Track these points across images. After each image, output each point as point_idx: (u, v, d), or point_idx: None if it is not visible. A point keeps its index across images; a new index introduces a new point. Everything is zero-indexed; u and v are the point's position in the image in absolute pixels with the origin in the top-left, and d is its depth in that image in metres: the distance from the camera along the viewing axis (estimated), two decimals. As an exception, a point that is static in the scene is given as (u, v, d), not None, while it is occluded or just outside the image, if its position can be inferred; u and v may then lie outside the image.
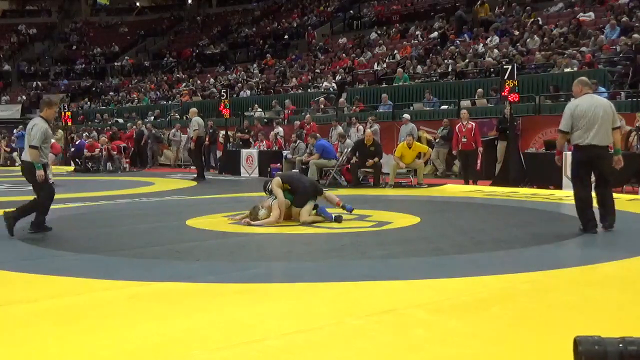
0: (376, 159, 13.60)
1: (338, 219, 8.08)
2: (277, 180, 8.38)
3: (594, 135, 6.94)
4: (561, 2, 21.90)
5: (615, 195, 10.81)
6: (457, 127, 13.69)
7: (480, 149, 13.45)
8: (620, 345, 2.07)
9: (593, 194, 7.26)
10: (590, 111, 6.95)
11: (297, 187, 8.27)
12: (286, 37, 33.37)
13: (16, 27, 46.11)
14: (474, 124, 13.47)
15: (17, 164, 25.53)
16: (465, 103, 16.87)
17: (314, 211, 8.28)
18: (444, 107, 17.90)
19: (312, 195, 8.27)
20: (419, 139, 15.07)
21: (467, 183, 13.41)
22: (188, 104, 27.65)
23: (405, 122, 15.48)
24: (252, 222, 7.99)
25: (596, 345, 2.06)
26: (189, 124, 17.91)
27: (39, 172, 7.30)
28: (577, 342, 2.10)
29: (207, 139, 20.32)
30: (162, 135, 23.04)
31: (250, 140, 19.33)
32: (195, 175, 16.12)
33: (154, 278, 5.17)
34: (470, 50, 20.64)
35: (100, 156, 21.08)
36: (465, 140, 13.31)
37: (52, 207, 7.80)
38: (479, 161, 13.69)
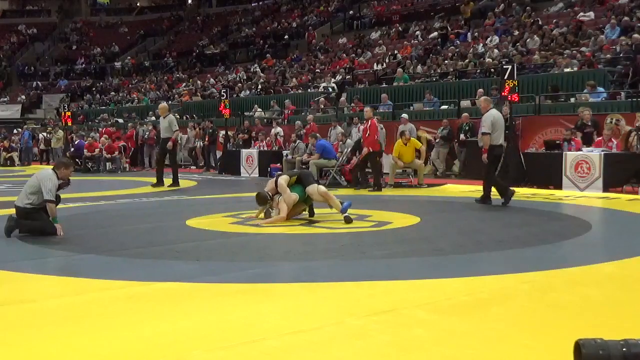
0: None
1: (347, 219, 8.04)
2: (285, 177, 8.50)
3: (502, 138, 9.91)
4: (561, 2, 21.90)
5: (615, 195, 10.93)
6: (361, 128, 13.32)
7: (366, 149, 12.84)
8: (624, 349, 2.05)
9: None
10: (500, 120, 9.86)
11: (302, 176, 8.64)
12: (286, 37, 33.37)
13: (16, 27, 46.12)
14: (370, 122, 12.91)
15: (17, 164, 25.59)
16: (465, 103, 16.87)
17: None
18: (444, 107, 17.90)
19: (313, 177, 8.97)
20: (419, 139, 15.05)
21: (377, 189, 12.65)
22: (188, 104, 27.69)
23: (404, 122, 15.45)
24: (262, 222, 8.04)
25: (600, 350, 2.04)
26: (157, 122, 16.83)
27: (59, 226, 7.26)
28: (580, 346, 2.09)
29: (207, 138, 20.36)
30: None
31: (251, 140, 19.33)
32: (171, 182, 13.94)
33: (154, 278, 5.17)
34: (470, 50, 20.65)
35: (100, 156, 21.10)
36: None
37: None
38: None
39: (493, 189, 9.90)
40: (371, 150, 12.72)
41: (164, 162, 14.40)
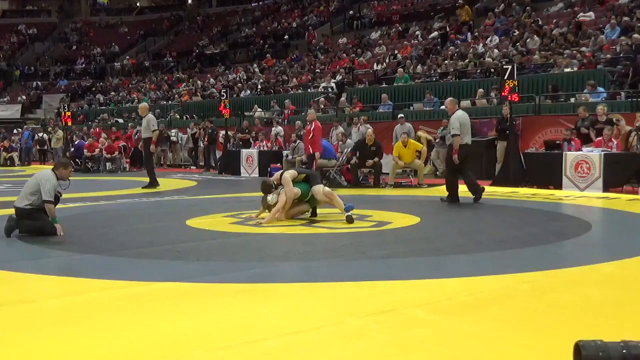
0: (376, 159, 13.60)
1: (349, 219, 8.04)
2: (292, 172, 8.59)
3: (469, 137, 10.22)
4: (561, 2, 21.90)
5: (615, 195, 10.92)
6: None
7: (318, 154, 12.93)
8: (624, 350, 2.05)
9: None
10: (468, 121, 10.23)
11: (311, 176, 8.71)
12: (286, 37, 33.36)
13: (16, 27, 46.09)
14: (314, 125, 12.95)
15: (17, 164, 25.59)
16: (465, 103, 16.85)
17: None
18: (444, 107, 17.85)
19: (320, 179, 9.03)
20: (419, 139, 15.05)
21: None
22: (188, 104, 27.68)
23: (401, 122, 15.43)
24: (262, 222, 8.07)
25: (600, 352, 2.04)
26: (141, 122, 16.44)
27: (59, 226, 7.26)
28: (580, 347, 2.08)
29: (206, 138, 20.35)
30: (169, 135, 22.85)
31: (250, 140, 19.32)
32: (148, 182, 13.86)
33: (154, 278, 5.18)
34: (470, 50, 20.64)
35: (100, 156, 21.10)
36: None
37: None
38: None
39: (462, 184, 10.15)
40: (312, 152, 12.73)
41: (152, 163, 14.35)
